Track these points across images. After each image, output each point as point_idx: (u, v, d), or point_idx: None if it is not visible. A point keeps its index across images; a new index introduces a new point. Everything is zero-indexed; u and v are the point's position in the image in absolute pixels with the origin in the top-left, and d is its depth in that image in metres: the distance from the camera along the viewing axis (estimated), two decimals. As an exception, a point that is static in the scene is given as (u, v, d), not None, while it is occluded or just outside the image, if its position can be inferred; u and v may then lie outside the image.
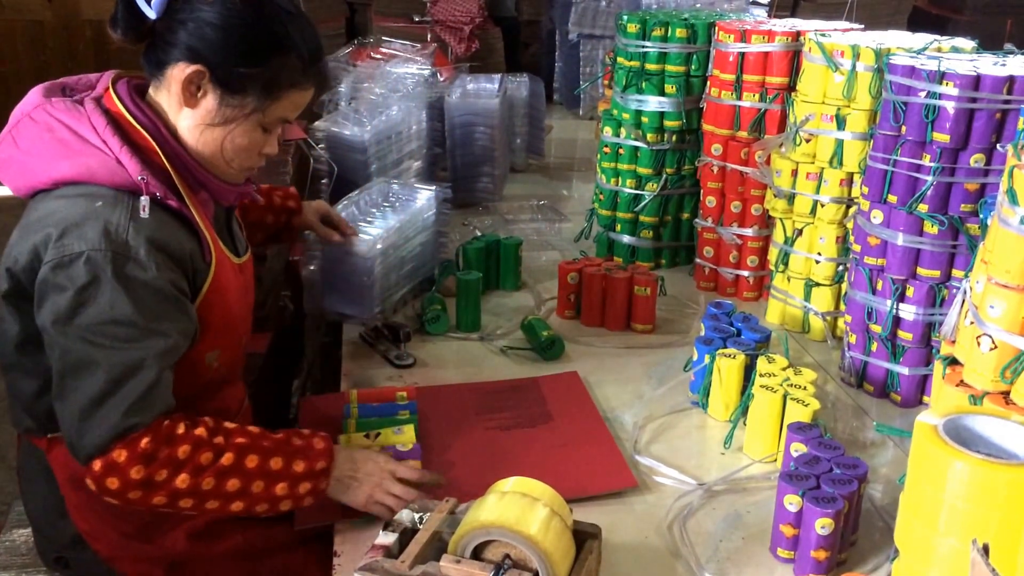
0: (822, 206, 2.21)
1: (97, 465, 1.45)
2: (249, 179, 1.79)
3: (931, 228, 1.86)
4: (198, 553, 1.71)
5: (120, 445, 1.44)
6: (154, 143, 1.59)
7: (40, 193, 1.57)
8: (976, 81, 1.77)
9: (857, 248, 1.99)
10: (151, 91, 1.64)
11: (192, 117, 1.61)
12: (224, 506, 1.51)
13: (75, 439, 1.47)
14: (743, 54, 2.40)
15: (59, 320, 1.46)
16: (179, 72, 1.57)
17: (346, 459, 1.59)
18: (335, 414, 1.84)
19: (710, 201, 2.56)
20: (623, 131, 2.68)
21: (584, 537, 1.33)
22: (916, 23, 5.77)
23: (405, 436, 1.72)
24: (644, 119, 2.64)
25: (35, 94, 1.62)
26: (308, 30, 1.66)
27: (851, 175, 2.16)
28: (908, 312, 1.93)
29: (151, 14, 1.55)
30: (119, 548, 1.70)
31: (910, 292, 1.92)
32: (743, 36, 2.40)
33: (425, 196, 2.46)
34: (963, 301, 1.46)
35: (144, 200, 1.52)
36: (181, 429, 1.49)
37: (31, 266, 1.50)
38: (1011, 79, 1.77)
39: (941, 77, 1.79)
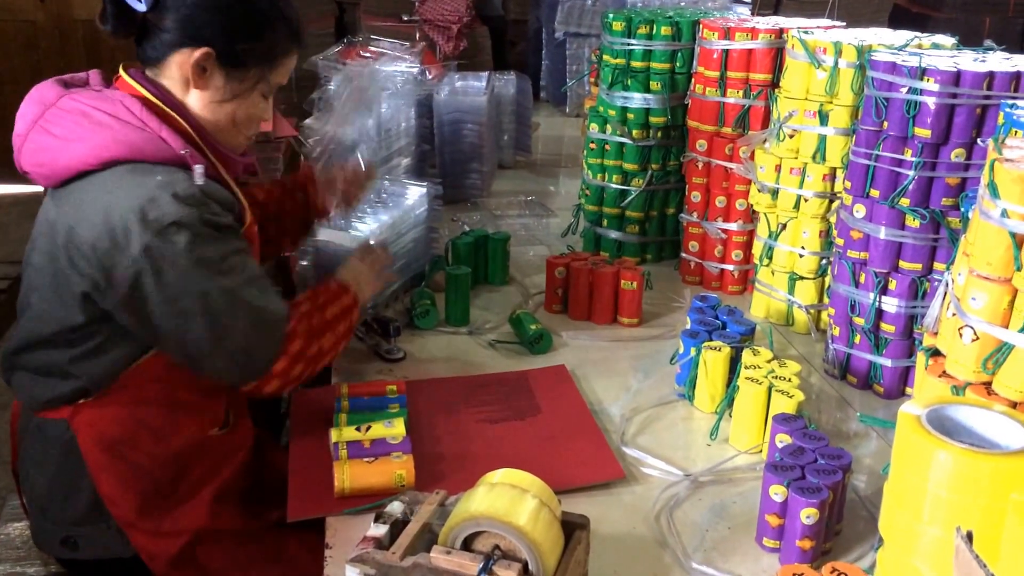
0: (805, 201, 2.23)
1: (282, 364, 1.68)
2: (247, 152, 1.89)
3: (913, 222, 1.88)
4: (209, 526, 1.76)
5: (283, 345, 1.68)
6: (183, 122, 1.68)
7: (87, 175, 1.61)
8: (956, 77, 1.79)
9: (840, 242, 2.01)
10: (150, 76, 1.71)
11: (202, 97, 1.71)
12: (336, 347, 1.81)
13: (254, 355, 1.67)
14: (727, 51, 2.42)
15: (186, 281, 1.57)
16: (184, 57, 1.66)
17: (353, 276, 1.92)
18: (326, 407, 1.85)
19: (695, 196, 2.58)
20: (609, 127, 2.70)
21: (573, 528, 1.34)
22: (897, 20, 5.80)
23: (395, 429, 1.73)
24: (630, 116, 2.66)
25: (50, 89, 1.68)
26: (287, 2, 1.78)
27: (834, 170, 2.18)
28: (891, 305, 1.95)
29: (140, 7, 1.61)
30: (138, 514, 1.73)
31: (892, 285, 1.94)
32: (727, 34, 2.41)
33: (417, 193, 2.47)
34: (945, 293, 1.48)
35: (199, 168, 1.62)
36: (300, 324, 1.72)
37: (110, 247, 1.55)
38: (991, 75, 1.79)
39: (922, 73, 1.81)
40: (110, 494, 1.72)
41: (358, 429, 1.73)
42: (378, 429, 1.73)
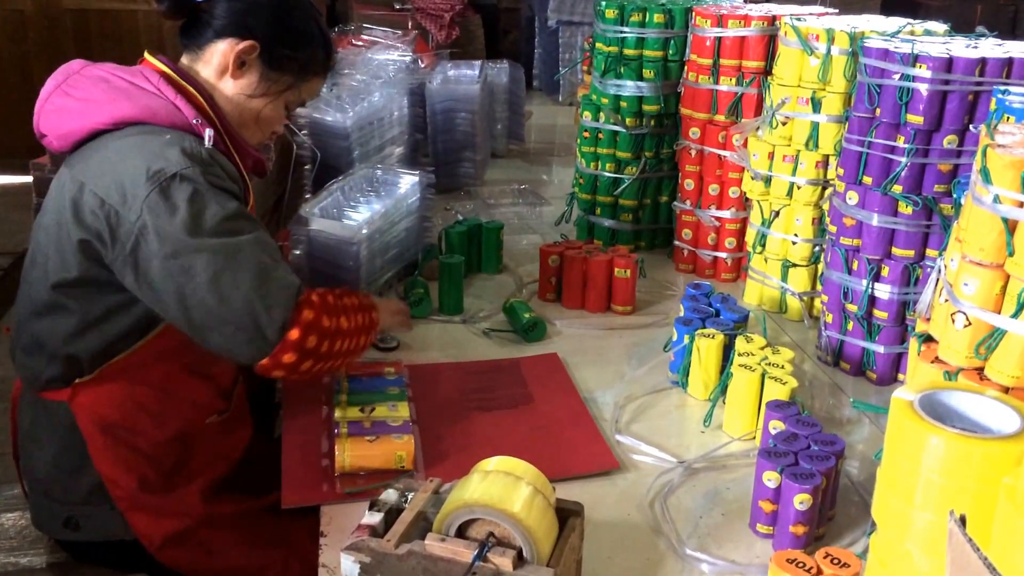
0: (798, 188, 2.23)
1: (295, 334, 1.63)
2: (259, 151, 1.95)
3: (905, 208, 1.89)
4: (207, 513, 1.79)
5: (296, 313, 1.64)
6: (199, 97, 1.75)
7: (101, 135, 1.67)
8: (949, 63, 1.79)
9: (833, 229, 2.02)
10: (185, 61, 1.81)
11: (234, 87, 1.80)
12: (354, 350, 1.79)
13: (263, 320, 1.60)
14: (720, 39, 2.42)
15: (187, 234, 1.57)
16: (228, 46, 1.77)
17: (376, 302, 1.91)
18: (318, 393, 1.88)
19: (688, 184, 2.58)
20: (602, 116, 2.70)
21: (567, 515, 1.34)
22: (889, 7, 5.80)
23: (399, 412, 1.75)
24: (623, 104, 2.66)
25: (77, 61, 1.76)
26: (327, 30, 1.91)
27: (827, 157, 2.18)
28: (883, 291, 1.95)
29: None
30: (137, 498, 1.75)
31: (885, 272, 1.94)
32: (720, 21, 2.41)
33: (409, 181, 2.47)
34: (938, 279, 1.48)
35: (209, 132, 1.69)
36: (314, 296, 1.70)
37: (119, 203, 1.59)
38: (983, 61, 1.79)
39: (914, 60, 1.81)
40: (111, 475, 1.74)
41: (362, 410, 1.74)
42: (382, 411, 1.74)
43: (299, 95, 1.90)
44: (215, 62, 1.78)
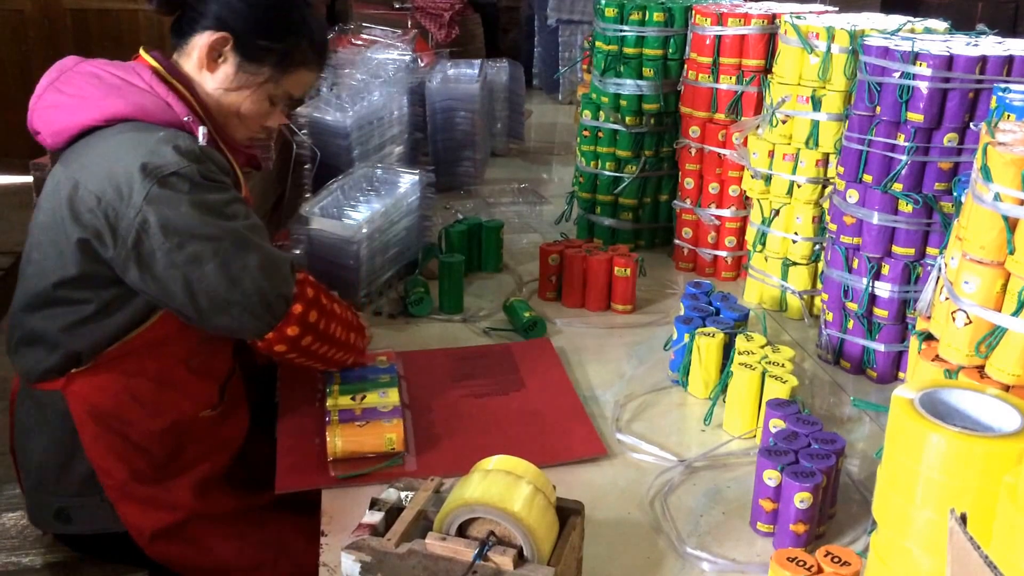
0: (798, 186, 2.23)
1: (298, 308, 1.71)
2: (250, 146, 1.97)
3: (906, 207, 1.88)
4: (199, 508, 1.79)
5: (299, 288, 1.72)
6: (189, 95, 1.76)
7: (94, 131, 1.68)
8: (949, 61, 1.79)
9: (833, 227, 2.02)
10: (175, 57, 1.81)
11: (211, 81, 1.80)
12: (343, 344, 1.83)
13: (270, 297, 1.67)
14: (720, 37, 2.42)
15: (191, 224, 1.60)
16: (205, 39, 1.77)
17: None
18: (313, 382, 1.89)
19: (688, 183, 2.58)
20: (602, 114, 2.69)
21: (567, 513, 1.34)
22: (889, 5, 5.81)
23: (389, 399, 1.76)
24: (623, 102, 2.66)
25: (71, 58, 1.78)
26: (319, 21, 1.91)
27: (827, 155, 2.18)
28: (884, 290, 1.95)
29: None
30: (128, 488, 1.76)
31: (885, 270, 1.94)
32: (720, 19, 2.41)
33: (409, 181, 2.47)
34: (938, 277, 1.48)
35: (203, 130, 1.71)
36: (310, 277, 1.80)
37: (115, 199, 1.60)
38: (983, 59, 1.79)
39: (915, 58, 1.81)
40: (102, 464, 1.75)
41: (353, 398, 1.75)
42: (372, 399, 1.75)
43: (283, 88, 1.88)
44: (194, 56, 1.79)
